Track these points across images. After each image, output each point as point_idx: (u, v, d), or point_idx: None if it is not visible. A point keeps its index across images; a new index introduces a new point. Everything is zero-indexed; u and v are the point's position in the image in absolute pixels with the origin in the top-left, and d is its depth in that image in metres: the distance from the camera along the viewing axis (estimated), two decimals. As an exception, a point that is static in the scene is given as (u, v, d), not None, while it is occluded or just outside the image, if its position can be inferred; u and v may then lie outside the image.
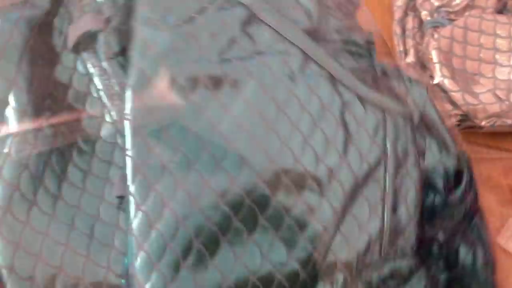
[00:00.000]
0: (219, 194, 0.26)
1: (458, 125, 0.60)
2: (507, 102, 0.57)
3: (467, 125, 0.60)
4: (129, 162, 0.26)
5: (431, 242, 0.30)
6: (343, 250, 0.27)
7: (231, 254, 0.26)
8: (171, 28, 0.27)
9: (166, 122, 0.26)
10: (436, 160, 0.31)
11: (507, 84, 0.58)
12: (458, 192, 0.31)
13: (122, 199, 0.26)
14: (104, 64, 0.28)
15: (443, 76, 0.59)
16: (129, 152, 0.26)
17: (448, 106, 0.59)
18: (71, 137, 0.27)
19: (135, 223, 0.25)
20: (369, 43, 0.31)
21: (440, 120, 0.31)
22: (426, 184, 0.29)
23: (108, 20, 0.28)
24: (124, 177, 0.26)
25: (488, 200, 0.58)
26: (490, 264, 0.34)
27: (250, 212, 0.26)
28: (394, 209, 0.28)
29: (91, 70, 0.28)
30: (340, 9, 0.31)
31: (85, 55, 0.28)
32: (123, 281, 0.26)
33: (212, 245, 0.25)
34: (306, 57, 0.28)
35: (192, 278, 0.25)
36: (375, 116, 0.28)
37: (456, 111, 0.59)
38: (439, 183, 0.31)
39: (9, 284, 0.24)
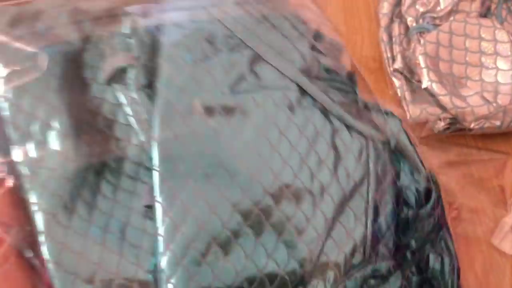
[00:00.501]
0: (233, 204, 0.32)
1: (448, 128, 0.63)
2: (494, 104, 0.60)
3: (457, 128, 0.63)
4: (156, 177, 0.32)
5: (405, 249, 0.37)
6: (334, 252, 0.34)
7: (242, 253, 0.32)
8: (191, 65, 0.34)
9: (189, 144, 0.33)
10: (409, 179, 0.38)
11: (493, 86, 0.61)
12: (428, 207, 0.38)
13: (149, 208, 0.32)
14: (134, 94, 0.34)
15: (431, 80, 0.62)
16: (156, 168, 0.32)
17: (437, 110, 0.62)
18: (103, 156, 0.33)
19: (163, 227, 0.31)
20: (353, 81, 0.39)
21: (412, 146, 0.39)
22: (401, 200, 0.37)
23: (137, 58, 0.34)
24: (151, 190, 0.32)
25: (481, 201, 0.61)
26: (456, 270, 0.41)
27: (257, 219, 0.32)
28: (375, 219, 0.35)
29: (122, 99, 0.34)
30: (327, 52, 0.38)
31: (116, 86, 0.34)
32: (150, 276, 0.32)
33: (227, 246, 0.32)
34: (303, 91, 0.35)
35: (211, 272, 0.31)
36: (359, 141, 0.36)
37: (445, 115, 0.62)
38: (412, 199, 0.38)
39: (56, 279, 0.30)
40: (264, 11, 0.37)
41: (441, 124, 0.63)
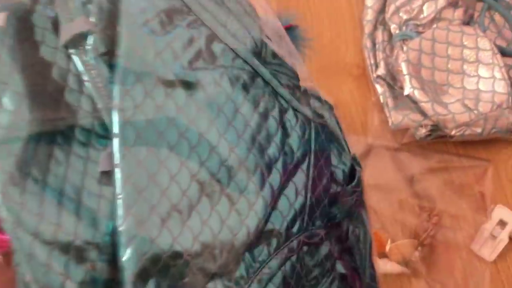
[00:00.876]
0: (192, 174, 0.34)
1: (429, 135, 0.63)
2: (475, 112, 0.61)
3: (438, 135, 0.63)
4: (117, 143, 0.33)
5: (332, 219, 0.41)
6: (278, 221, 0.37)
7: (199, 220, 0.34)
8: (151, 36, 0.35)
9: (150, 114, 0.34)
10: (338, 160, 0.42)
11: (475, 94, 0.62)
12: (352, 185, 0.42)
13: (105, 175, 0.33)
14: (92, 61, 0.34)
15: (413, 87, 0.62)
16: (117, 135, 0.33)
17: (419, 117, 0.63)
18: (54, 121, 0.33)
19: (124, 192, 0.32)
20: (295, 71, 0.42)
21: (340, 131, 0.43)
22: (333, 177, 0.41)
23: (96, 24, 0.34)
24: (108, 156, 0.33)
25: (461, 208, 0.62)
26: (369, 241, 0.45)
27: (214, 189, 0.35)
28: (313, 191, 0.39)
29: (79, 66, 0.34)
30: (274, 39, 0.41)
31: (74, 52, 0.34)
32: (108, 239, 0.32)
33: (186, 212, 0.34)
34: (255, 72, 0.38)
35: (171, 236, 0.33)
36: (302, 122, 0.39)
37: (427, 121, 0.62)
38: (340, 177, 0.42)
39: (15, 239, 0.30)
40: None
41: (423, 131, 0.63)
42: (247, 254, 0.36)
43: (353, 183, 0.42)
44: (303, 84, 0.41)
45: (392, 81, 0.66)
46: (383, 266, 0.58)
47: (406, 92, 0.64)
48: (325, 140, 0.41)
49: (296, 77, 0.41)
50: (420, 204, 0.62)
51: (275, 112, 0.38)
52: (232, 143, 0.36)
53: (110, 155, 0.33)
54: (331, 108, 0.43)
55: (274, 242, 0.37)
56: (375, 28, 0.70)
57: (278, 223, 0.37)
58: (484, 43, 0.65)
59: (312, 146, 0.39)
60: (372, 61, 0.68)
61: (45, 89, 0.34)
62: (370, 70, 0.68)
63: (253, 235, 0.36)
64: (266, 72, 0.38)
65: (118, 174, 0.32)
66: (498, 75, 0.63)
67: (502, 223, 0.60)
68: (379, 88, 0.66)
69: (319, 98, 0.42)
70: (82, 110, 0.34)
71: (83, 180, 0.33)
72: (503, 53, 0.65)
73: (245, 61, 0.38)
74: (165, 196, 0.33)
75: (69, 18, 0.35)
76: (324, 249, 0.40)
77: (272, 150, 0.37)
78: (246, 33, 0.38)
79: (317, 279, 0.40)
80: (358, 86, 0.69)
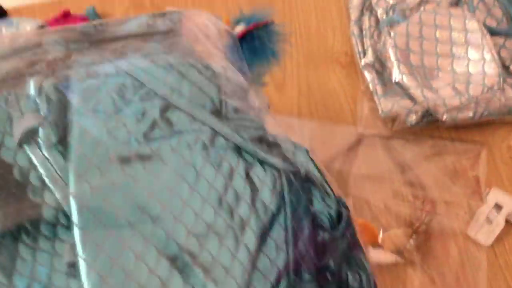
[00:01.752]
0: (158, 249, 0.33)
1: (420, 121, 0.62)
2: (466, 95, 0.60)
3: (430, 120, 0.63)
4: (77, 232, 0.32)
5: (326, 271, 0.38)
6: (260, 283, 0.35)
7: None
8: (102, 117, 0.35)
9: (107, 195, 0.33)
10: (321, 205, 0.39)
11: (465, 77, 0.61)
12: (340, 228, 0.39)
13: (72, 267, 0.32)
14: (45, 153, 0.34)
15: (402, 73, 0.61)
16: (76, 223, 0.33)
17: (409, 103, 0.62)
18: (18, 220, 0.33)
19: (89, 282, 0.32)
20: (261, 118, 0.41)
21: (320, 174, 0.40)
22: (316, 224, 0.38)
23: (45, 117, 0.35)
24: (72, 247, 0.32)
25: (456, 194, 0.61)
26: (373, 285, 0.42)
27: (185, 262, 0.33)
28: (295, 244, 0.36)
29: (33, 160, 0.35)
30: (234, 94, 0.41)
31: (27, 148, 0.35)
32: None
33: None
34: (215, 132, 0.37)
35: None
36: (272, 174, 0.37)
37: (417, 107, 0.61)
38: (326, 222, 0.39)
39: None
40: (170, 60, 0.39)
41: (413, 117, 0.62)
42: None
43: (341, 226, 0.40)
44: (273, 131, 0.40)
45: (381, 68, 0.65)
46: (376, 256, 0.57)
47: (394, 79, 0.63)
48: (301, 188, 0.39)
49: (261, 128, 0.40)
50: (413, 193, 0.61)
51: (240, 169, 0.37)
52: (198, 209, 0.35)
53: (73, 246, 0.32)
54: (306, 151, 0.41)
55: None
56: (361, 14, 0.69)
57: (260, 284, 0.35)
58: (472, 24, 0.64)
59: (286, 197, 0.37)
60: (360, 48, 0.67)
61: (9, 190, 0.34)
62: (358, 57, 0.67)
63: None
64: (227, 130, 0.37)
65: (81, 263, 0.32)
66: (487, 56, 0.62)
67: (497, 207, 0.60)
68: (368, 76, 0.65)
69: (291, 144, 0.41)
70: (46, 204, 0.34)
71: (50, 276, 0.33)
72: (493, 33, 0.64)
73: (203, 123, 0.37)
74: (133, 279, 0.32)
75: (20, 115, 0.36)
76: None
77: (242, 210, 0.36)
78: (202, 94, 0.38)
79: None
80: (346, 75, 0.68)
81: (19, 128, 0.35)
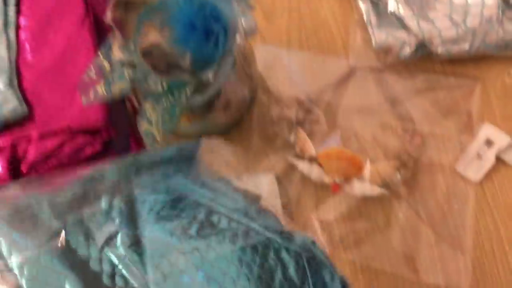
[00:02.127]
0: None
1: (415, 54, 0.60)
2: (463, 26, 0.57)
3: (424, 53, 0.61)
4: None
5: None
6: None
7: None
8: (164, 221, 0.44)
9: (177, 280, 0.41)
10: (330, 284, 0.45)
11: (463, 7, 0.59)
12: None
13: None
14: (123, 253, 0.42)
15: (397, 2, 0.59)
16: None
17: (404, 34, 0.60)
18: None
19: None
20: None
21: (325, 257, 0.45)
22: None
23: (120, 224, 0.43)
24: None
25: (447, 128, 0.60)
26: None
27: None
28: None
29: (114, 260, 0.42)
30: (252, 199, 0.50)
31: (108, 250, 0.42)
32: None
33: None
34: (248, 227, 0.45)
35: None
36: (295, 255, 0.44)
37: (412, 39, 0.59)
38: None
39: None
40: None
41: (408, 49, 0.60)
42: None
43: None
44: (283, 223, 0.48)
45: (375, -3, 0.62)
46: (361, 188, 0.56)
47: (390, 8, 0.60)
48: (316, 268, 0.45)
49: (279, 222, 0.48)
50: (403, 126, 0.60)
51: (272, 253, 0.44)
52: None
53: None
54: (313, 241, 0.46)
55: None
56: None
57: None
58: (473, -49, 0.60)
59: (308, 273, 0.44)
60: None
61: None
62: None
63: None
64: (255, 225, 0.45)
65: None
66: (487, -14, 0.59)
67: (489, 143, 0.58)
68: (362, 5, 0.63)
69: (300, 233, 0.47)
70: None
71: None
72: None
73: (239, 222, 0.45)
74: None
75: (99, 227, 0.43)
76: None
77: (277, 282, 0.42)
78: (234, 203, 0.47)
79: None
80: (340, 4, 0.65)
81: (100, 236, 0.43)
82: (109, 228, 0.43)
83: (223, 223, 0.46)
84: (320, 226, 0.57)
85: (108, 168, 0.49)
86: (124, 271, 0.42)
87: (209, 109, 0.54)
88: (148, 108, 0.51)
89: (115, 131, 0.58)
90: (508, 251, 0.56)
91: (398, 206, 0.57)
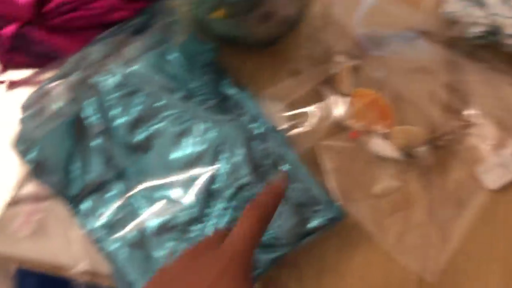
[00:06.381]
0: None
1: (482, 36, 0.55)
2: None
3: (492, 40, 0.56)
4: None
5: None
6: None
7: None
8: None
9: None
10: None
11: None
12: None
13: None
14: None
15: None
16: None
17: (478, 12, 0.55)
18: None
19: None
20: None
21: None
22: None
23: None
24: None
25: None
26: None
27: None
28: None
29: None
30: None
31: None
32: None
33: None
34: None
35: None
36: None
37: (484, 20, 0.54)
38: None
39: None
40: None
41: (476, 29, 0.55)
42: None
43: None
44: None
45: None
46: (379, 146, 0.52)
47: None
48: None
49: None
50: (453, 103, 0.55)
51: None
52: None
53: None
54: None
55: None
56: None
57: None
58: None
59: None
60: None
61: None
62: None
63: None
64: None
65: None
66: None
67: (520, 155, 0.54)
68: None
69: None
70: None
71: None
72: None
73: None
74: None
75: None
76: None
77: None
78: None
79: None
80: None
81: None
82: None
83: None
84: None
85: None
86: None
87: (247, 14, 0.49)
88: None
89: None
90: (495, 271, 0.52)
91: (410, 177, 0.53)
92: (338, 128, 0.55)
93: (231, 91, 0.55)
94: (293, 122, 0.54)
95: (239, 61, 0.58)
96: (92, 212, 0.51)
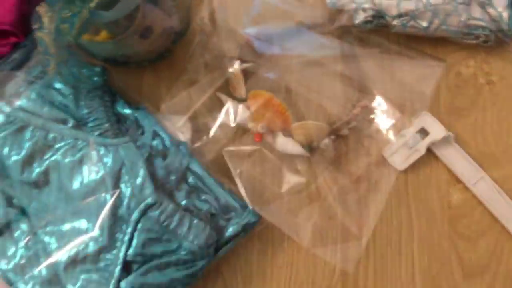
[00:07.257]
0: None
1: (369, 21, 0.56)
2: (424, 1, 0.53)
3: (379, 24, 0.56)
4: None
5: None
6: None
7: None
8: None
9: None
10: None
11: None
12: None
13: None
14: None
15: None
16: None
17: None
18: None
19: None
20: None
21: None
22: None
23: None
24: None
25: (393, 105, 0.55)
26: None
27: None
28: None
29: None
30: None
31: None
32: None
33: None
34: None
35: None
36: None
37: (368, 5, 0.54)
38: None
39: None
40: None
41: (362, 15, 0.56)
42: None
43: None
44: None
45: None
46: (284, 144, 0.51)
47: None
48: None
49: None
50: (350, 91, 0.55)
51: None
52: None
53: None
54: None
55: None
56: None
57: None
58: None
59: None
60: None
61: None
62: None
63: None
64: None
65: None
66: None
67: (423, 132, 0.55)
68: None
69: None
70: None
71: None
72: None
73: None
74: None
75: None
76: None
77: None
78: None
79: None
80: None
81: None
82: None
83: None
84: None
85: None
86: None
87: (123, 32, 0.48)
88: (43, 12, 0.44)
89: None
90: (415, 250, 0.53)
91: (317, 171, 0.52)
92: (242, 132, 0.54)
93: (127, 111, 0.54)
94: (196, 133, 0.54)
95: (134, 79, 0.57)
96: (3, 253, 0.49)
